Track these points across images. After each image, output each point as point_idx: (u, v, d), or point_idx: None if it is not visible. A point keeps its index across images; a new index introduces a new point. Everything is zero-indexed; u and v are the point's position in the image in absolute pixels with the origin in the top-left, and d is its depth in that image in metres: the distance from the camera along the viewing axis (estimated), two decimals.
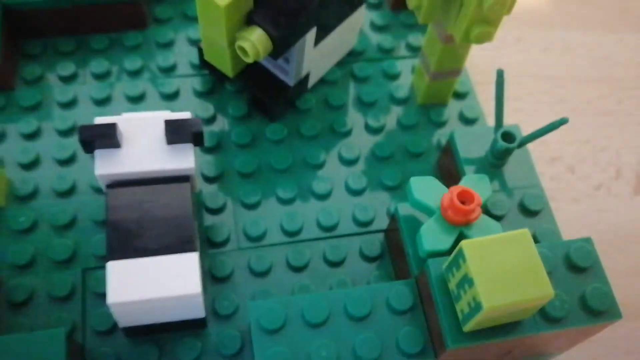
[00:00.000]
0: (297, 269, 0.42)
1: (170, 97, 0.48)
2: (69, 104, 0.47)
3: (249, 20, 0.39)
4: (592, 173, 0.52)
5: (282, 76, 0.45)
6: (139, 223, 0.36)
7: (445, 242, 0.37)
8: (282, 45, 0.40)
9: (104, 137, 0.37)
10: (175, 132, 0.37)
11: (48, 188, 0.44)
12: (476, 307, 0.32)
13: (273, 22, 0.39)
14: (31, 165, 0.44)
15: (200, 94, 0.48)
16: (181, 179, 0.38)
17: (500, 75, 0.41)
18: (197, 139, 0.38)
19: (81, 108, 0.47)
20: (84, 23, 0.49)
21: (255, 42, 0.38)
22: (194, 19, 0.52)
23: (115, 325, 0.39)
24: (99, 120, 0.38)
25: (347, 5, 0.44)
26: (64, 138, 0.46)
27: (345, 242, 0.44)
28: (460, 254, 0.33)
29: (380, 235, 0.44)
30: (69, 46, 0.49)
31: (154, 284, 0.35)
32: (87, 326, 0.39)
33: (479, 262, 0.33)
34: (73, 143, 0.45)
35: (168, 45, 0.50)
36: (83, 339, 0.39)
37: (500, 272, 0.32)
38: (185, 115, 0.39)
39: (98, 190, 0.44)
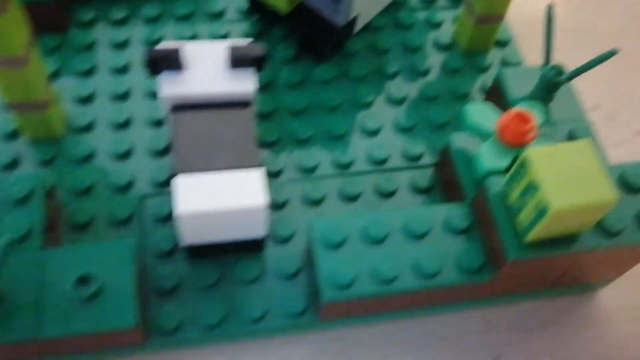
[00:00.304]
0: (350, 199, 0.43)
1: (220, 37, 0.49)
2: (121, 45, 0.48)
3: None
4: (631, 121, 0.53)
5: (331, 16, 0.46)
6: (204, 142, 0.37)
7: (503, 160, 0.38)
8: None
9: (170, 59, 0.38)
10: (238, 57, 0.38)
11: (104, 121, 0.45)
12: (542, 211, 0.33)
13: None
14: (87, 99, 0.45)
15: (248, 35, 0.49)
16: (243, 104, 0.39)
17: (550, 10, 0.42)
18: (259, 64, 0.39)
19: (133, 49, 0.48)
20: None
21: None
22: None
23: (175, 247, 0.40)
24: (165, 44, 0.39)
25: None
26: (119, 75, 0.47)
27: (395, 175, 0.44)
28: (524, 163, 0.34)
29: (429, 170, 0.45)
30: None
31: (221, 197, 0.35)
32: (148, 248, 0.40)
33: (544, 168, 0.34)
34: (128, 80, 0.46)
35: None
36: (143, 260, 0.40)
37: (565, 177, 0.33)
38: (245, 41, 0.40)
39: (153, 123, 0.45)
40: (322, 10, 0.46)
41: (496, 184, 0.37)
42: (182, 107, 0.38)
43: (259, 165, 0.37)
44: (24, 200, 0.37)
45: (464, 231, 0.38)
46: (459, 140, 0.42)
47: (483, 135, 0.40)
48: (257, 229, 0.38)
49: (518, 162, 0.35)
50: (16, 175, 0.37)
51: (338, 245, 0.37)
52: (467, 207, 0.39)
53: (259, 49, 0.39)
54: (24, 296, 0.34)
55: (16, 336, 0.33)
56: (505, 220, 0.36)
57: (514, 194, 0.35)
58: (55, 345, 0.34)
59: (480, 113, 0.40)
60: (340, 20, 0.46)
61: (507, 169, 0.38)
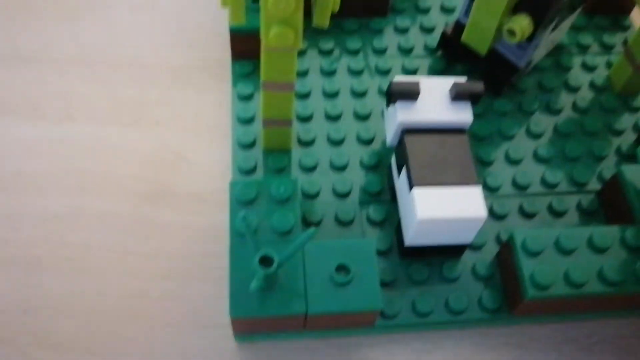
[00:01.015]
0: (529, 216, 0.51)
1: (411, 72, 0.58)
2: (332, 73, 0.57)
3: (517, 8, 0.49)
4: None
5: (513, 59, 0.55)
6: (432, 161, 0.46)
7: None
8: (541, 30, 0.49)
9: (408, 92, 0.46)
10: (460, 91, 0.47)
11: (323, 137, 0.53)
12: None
13: (540, 11, 0.48)
14: (308, 118, 0.54)
15: (434, 72, 0.58)
16: (460, 130, 0.47)
17: None
18: (475, 98, 0.47)
19: (340, 76, 0.57)
20: (340, 8, 0.59)
21: (524, 26, 0.48)
22: (423, 11, 0.62)
23: (390, 247, 0.49)
24: (400, 78, 0.47)
25: (576, 3, 0.54)
26: (331, 99, 0.56)
27: (565, 198, 0.52)
28: None
29: (592, 195, 0.53)
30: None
31: (452, 207, 0.44)
32: None
33: None
34: (339, 103, 0.55)
35: (405, 31, 0.60)
36: None
37: None
38: (463, 79, 0.48)
39: (363, 141, 0.53)
40: (508, 54, 0.55)
41: None
42: (412, 130, 0.47)
43: (478, 183, 0.45)
44: (286, 200, 0.46)
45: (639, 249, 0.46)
46: (630, 171, 0.50)
47: None
48: (469, 237, 0.46)
49: None
50: (279, 180, 0.46)
51: (537, 254, 0.45)
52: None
53: (479, 86, 0.47)
54: (295, 280, 0.43)
55: (290, 310, 0.42)
56: None
57: None
58: (315, 320, 0.43)
59: None
60: (522, 63, 0.54)
61: None
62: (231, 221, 0.45)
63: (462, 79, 0.48)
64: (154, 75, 0.59)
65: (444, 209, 0.44)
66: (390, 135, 0.49)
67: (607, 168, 0.54)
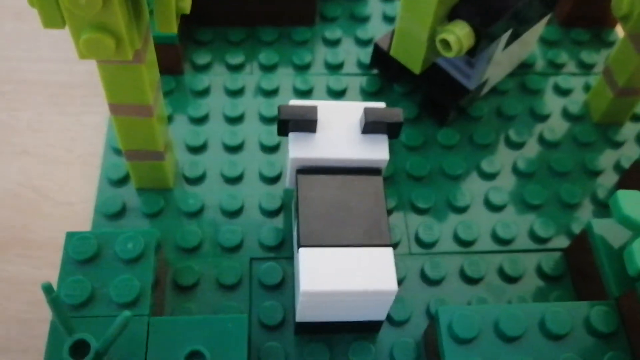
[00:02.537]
0: (473, 281, 0.40)
1: (338, 94, 0.47)
2: (237, 92, 0.46)
3: (453, 15, 0.38)
4: None
5: (461, 79, 0.43)
6: (331, 212, 0.34)
7: None
8: (485, 42, 0.38)
9: (302, 120, 0.35)
10: (373, 122, 0.36)
11: (216, 173, 0.42)
12: None
13: (482, 18, 0.37)
14: (200, 148, 0.43)
15: (368, 94, 0.47)
16: (373, 171, 0.36)
17: None
18: (393, 131, 0.36)
19: (248, 97, 0.46)
20: (255, 15, 0.49)
21: (461, 36, 0.37)
22: (360, 19, 0.51)
23: (283, 320, 0.37)
24: (294, 102, 0.37)
25: (540, 10, 0.42)
26: (233, 125, 0.45)
27: (522, 257, 0.41)
28: None
29: (558, 254, 0.41)
30: (239, 36, 0.49)
31: (349, 276, 0.32)
32: (253, 318, 0.38)
33: None
34: (242, 130, 0.44)
35: (335, 43, 0.49)
36: (249, 331, 0.37)
37: None
38: (381, 105, 0.37)
39: (266, 179, 0.42)
40: (453, 72, 0.43)
41: None
42: (309, 169, 0.36)
43: (390, 243, 0.34)
44: (135, 260, 0.35)
45: (610, 334, 0.34)
46: (601, 227, 0.38)
47: (637, 228, 0.36)
48: (380, 312, 0.35)
49: None
50: (128, 232, 0.35)
51: (468, 341, 0.34)
52: (611, 307, 0.35)
53: (397, 115, 0.36)
54: None
55: None
56: None
57: None
58: None
59: (634, 202, 0.36)
60: (472, 84, 0.43)
61: None
62: (59, 286, 0.34)
63: (378, 105, 0.37)
64: (30, 93, 0.49)
65: (339, 279, 0.32)
66: (288, 175, 0.38)
67: (579, 220, 0.42)
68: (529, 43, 0.47)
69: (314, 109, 0.35)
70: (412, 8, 0.37)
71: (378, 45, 0.45)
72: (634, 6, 0.38)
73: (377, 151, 0.36)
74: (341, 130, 0.36)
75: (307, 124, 0.35)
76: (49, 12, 0.30)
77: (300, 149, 0.35)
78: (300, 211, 0.34)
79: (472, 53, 0.38)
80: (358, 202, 0.35)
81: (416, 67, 0.41)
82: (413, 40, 0.39)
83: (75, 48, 0.29)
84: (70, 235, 0.35)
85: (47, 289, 0.29)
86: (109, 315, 0.32)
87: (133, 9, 0.30)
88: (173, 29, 0.31)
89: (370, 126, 0.36)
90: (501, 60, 0.44)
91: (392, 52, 0.42)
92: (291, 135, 0.36)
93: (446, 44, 0.37)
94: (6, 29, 0.53)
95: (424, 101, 0.46)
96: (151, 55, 0.34)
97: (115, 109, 0.35)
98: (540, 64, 0.50)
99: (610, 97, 0.45)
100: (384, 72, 0.47)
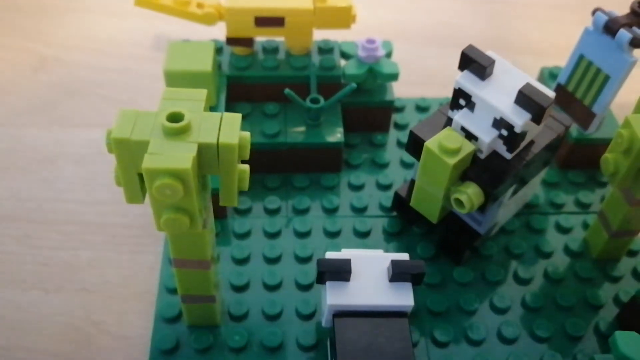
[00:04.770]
0: None
1: (363, 235, 0.53)
2: (275, 234, 0.52)
3: (465, 177, 0.44)
4: None
5: (473, 225, 0.50)
6: (365, 351, 0.39)
7: None
8: (492, 200, 0.44)
9: (338, 271, 0.41)
10: (398, 272, 0.41)
11: (258, 310, 0.48)
12: None
13: (489, 180, 0.43)
14: (243, 288, 0.49)
15: (389, 234, 0.53)
16: (400, 314, 0.41)
17: None
18: (416, 279, 0.42)
19: (285, 239, 0.52)
20: (289, 164, 0.56)
21: (472, 196, 0.43)
22: (380, 165, 0.58)
23: None
24: (331, 254, 0.42)
25: (540, 167, 0.49)
26: (271, 265, 0.50)
27: None
28: None
29: None
30: (275, 182, 0.56)
31: None
32: None
33: None
34: (280, 269, 0.50)
35: (359, 188, 0.56)
36: None
37: None
38: (405, 256, 0.43)
39: (302, 316, 0.47)
40: (466, 219, 0.50)
41: None
42: (345, 313, 0.41)
43: None
44: None
45: None
46: None
47: None
48: None
49: None
50: None
51: None
52: None
53: (419, 266, 0.41)
54: None
55: None
56: None
57: None
58: None
59: (631, 342, 0.41)
60: (483, 229, 0.49)
61: None
62: None
63: (402, 256, 0.43)
64: (89, 234, 0.55)
65: None
66: (324, 316, 0.43)
67: (583, 352, 0.47)
68: (533, 187, 0.53)
69: (348, 262, 0.41)
70: (430, 173, 0.44)
71: (398, 193, 0.52)
72: (619, 167, 0.45)
73: (403, 298, 0.41)
74: (371, 279, 0.42)
75: (342, 275, 0.41)
76: (132, 191, 0.36)
77: (336, 296, 0.41)
78: (338, 352, 0.39)
79: (483, 209, 0.45)
80: (387, 343, 0.40)
81: (433, 218, 0.47)
82: (430, 197, 0.46)
83: (155, 222, 0.35)
84: None
85: None
86: None
87: (202, 186, 0.36)
88: (235, 203, 0.37)
89: (397, 276, 0.41)
90: (509, 205, 0.50)
91: (412, 203, 0.48)
92: (328, 284, 0.42)
93: (459, 202, 0.44)
94: (66, 173, 0.60)
95: (440, 243, 0.52)
96: (210, 218, 0.40)
97: (179, 262, 0.40)
98: (542, 204, 0.56)
99: (606, 237, 0.51)
100: (404, 216, 0.53)
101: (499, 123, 0.43)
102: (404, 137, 0.60)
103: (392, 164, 0.58)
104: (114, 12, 0.77)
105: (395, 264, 0.41)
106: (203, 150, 0.34)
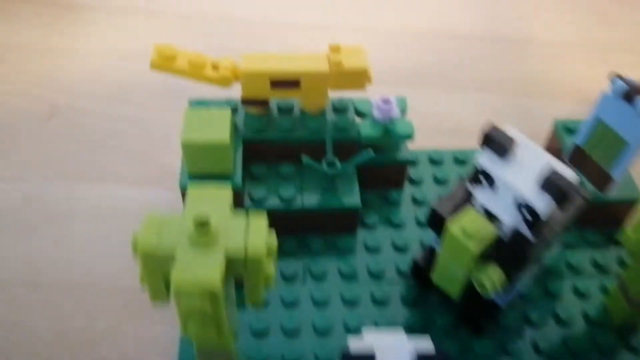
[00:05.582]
0: None
1: (382, 304, 0.52)
2: (292, 304, 0.52)
3: (486, 258, 0.44)
4: None
5: (494, 297, 0.49)
6: None
7: None
8: (513, 281, 0.44)
9: (364, 357, 0.41)
10: (422, 357, 0.41)
11: None
12: None
13: (513, 263, 0.43)
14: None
15: (408, 302, 0.53)
16: None
17: None
18: None
19: (302, 308, 0.52)
20: (305, 226, 0.55)
21: (495, 280, 0.43)
22: (396, 225, 0.57)
23: None
24: (354, 343, 0.42)
25: (562, 234, 0.49)
26: (291, 339, 0.50)
27: None
28: None
29: None
30: (290, 245, 0.55)
31: None
32: None
33: None
34: (299, 343, 0.50)
35: (376, 250, 0.55)
36: None
37: None
38: (428, 342, 0.42)
39: None
40: None
41: None
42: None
43: None
44: None
45: None
46: None
47: None
48: None
49: None
50: None
51: None
52: None
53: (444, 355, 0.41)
54: None
55: None
56: None
57: None
58: None
59: None
60: (503, 301, 0.49)
61: None
62: None
63: (426, 343, 0.42)
64: (105, 302, 0.54)
65: None
66: None
67: None
68: (552, 250, 0.53)
69: (371, 350, 0.41)
70: (452, 255, 0.44)
71: (416, 262, 0.52)
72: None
73: None
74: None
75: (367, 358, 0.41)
76: (157, 290, 0.36)
77: None
78: None
79: (504, 289, 0.44)
80: None
81: (455, 295, 0.47)
82: (452, 275, 0.45)
83: (181, 329, 0.35)
84: None
85: None
86: None
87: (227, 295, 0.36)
88: (261, 304, 0.37)
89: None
90: (525, 278, 0.50)
91: (434, 279, 0.48)
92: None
93: (482, 285, 0.43)
94: (82, 233, 0.59)
95: (460, 314, 0.51)
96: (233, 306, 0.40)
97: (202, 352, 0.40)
98: (559, 266, 0.55)
99: (627, 308, 0.50)
100: (422, 283, 0.53)
101: (523, 207, 0.43)
102: (418, 193, 0.60)
103: (407, 223, 0.58)
104: (124, 56, 0.76)
105: (419, 354, 0.41)
106: (230, 262, 0.34)
